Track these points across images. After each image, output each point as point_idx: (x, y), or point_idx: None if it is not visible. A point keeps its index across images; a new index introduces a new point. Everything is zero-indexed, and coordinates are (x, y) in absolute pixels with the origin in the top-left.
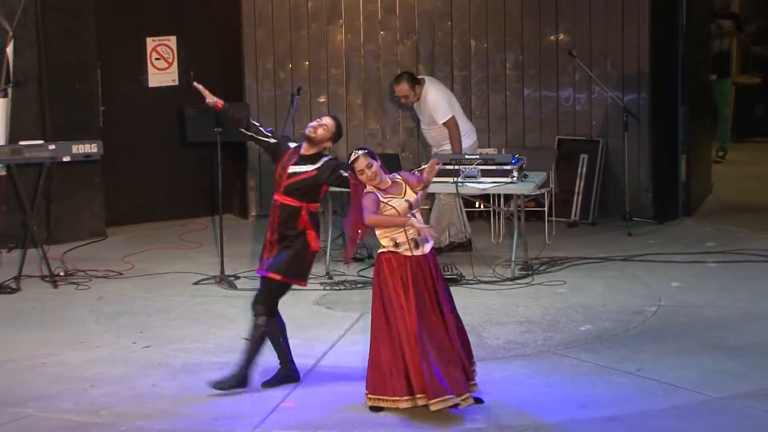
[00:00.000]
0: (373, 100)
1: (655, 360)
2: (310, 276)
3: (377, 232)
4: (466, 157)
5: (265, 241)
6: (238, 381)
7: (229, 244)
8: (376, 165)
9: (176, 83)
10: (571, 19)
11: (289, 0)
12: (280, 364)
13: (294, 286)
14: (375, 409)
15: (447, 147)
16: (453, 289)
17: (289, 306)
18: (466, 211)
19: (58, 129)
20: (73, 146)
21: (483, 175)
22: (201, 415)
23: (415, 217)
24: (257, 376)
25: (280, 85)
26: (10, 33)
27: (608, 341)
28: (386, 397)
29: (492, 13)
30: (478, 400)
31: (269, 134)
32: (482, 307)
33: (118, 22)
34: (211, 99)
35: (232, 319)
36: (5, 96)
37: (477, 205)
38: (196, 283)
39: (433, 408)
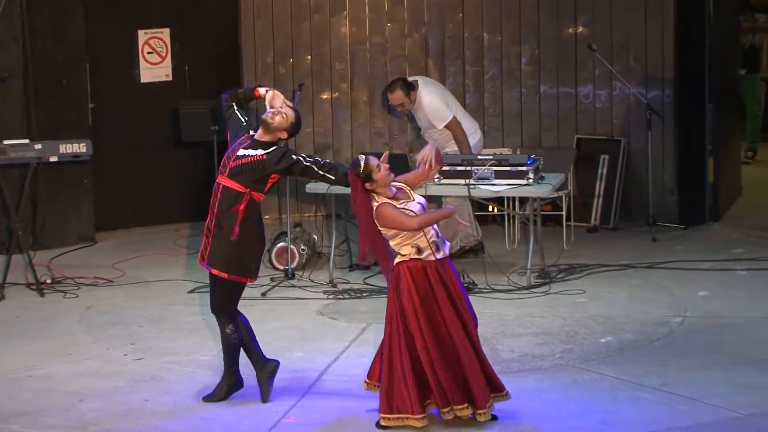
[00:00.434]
0: (379, 96)
1: (680, 374)
2: (313, 284)
3: (394, 243)
4: (479, 157)
5: (204, 228)
6: (228, 389)
7: None
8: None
9: (170, 78)
10: (591, 10)
11: None
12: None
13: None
14: (383, 428)
15: (451, 149)
16: None
17: (291, 316)
18: (479, 215)
19: (44, 127)
20: (61, 146)
21: (497, 177)
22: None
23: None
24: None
25: (280, 81)
26: None
27: (631, 354)
28: (403, 415)
29: (506, 4)
30: (493, 417)
31: (245, 119)
32: (496, 317)
33: (108, 14)
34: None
35: None
36: None
37: (490, 208)
38: (191, 292)
39: (445, 417)
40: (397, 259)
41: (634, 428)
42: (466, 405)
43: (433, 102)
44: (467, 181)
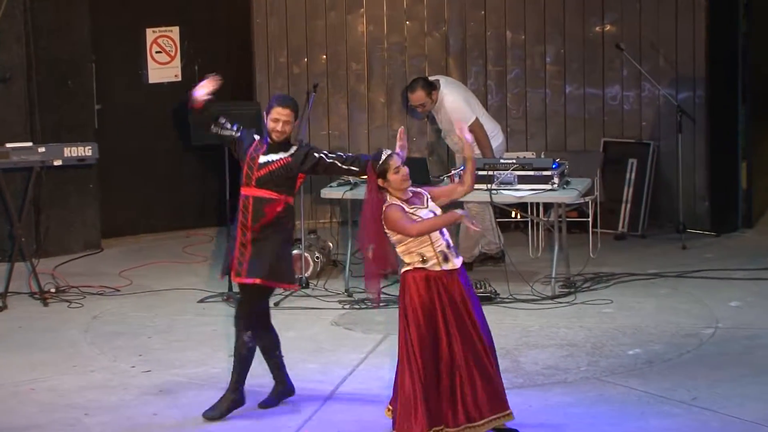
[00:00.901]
0: (397, 98)
1: (711, 388)
2: (328, 293)
3: (399, 249)
4: (501, 161)
5: (234, 243)
6: (230, 405)
7: None
8: (406, 169)
9: (179, 79)
10: (619, 7)
11: None
12: (274, 380)
13: (279, 291)
14: None
15: (475, 152)
16: (487, 308)
17: (305, 326)
18: (501, 222)
19: (48, 130)
20: (65, 149)
21: (520, 182)
22: None
23: (441, 230)
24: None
25: (294, 82)
26: None
27: (660, 367)
28: None
29: (530, 1)
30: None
31: (234, 129)
32: (519, 328)
33: (115, 12)
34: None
35: None
36: None
37: (513, 214)
38: (201, 301)
39: None
40: (403, 268)
41: None
42: (441, 427)
43: (456, 102)
44: (489, 186)
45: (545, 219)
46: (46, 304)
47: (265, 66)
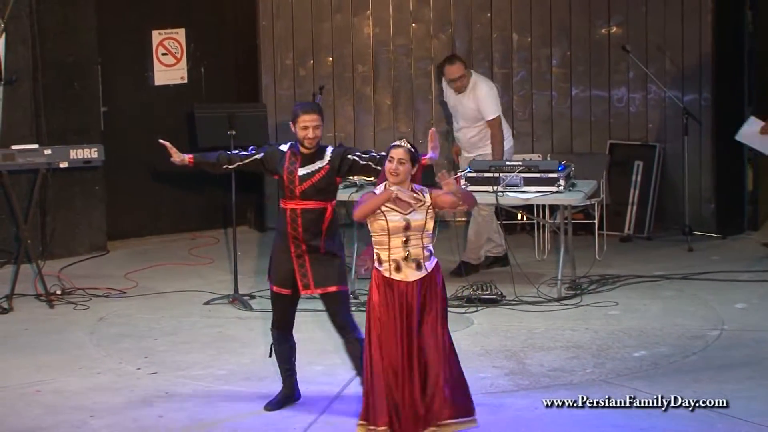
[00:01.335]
0: (403, 100)
1: (717, 390)
2: None
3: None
4: (507, 163)
5: (290, 257)
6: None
7: (243, 260)
8: (408, 168)
9: (185, 81)
10: (625, 10)
11: None
12: (283, 384)
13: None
14: None
15: (482, 151)
16: (493, 311)
17: (311, 329)
18: (507, 224)
19: (54, 132)
20: (71, 151)
21: (526, 184)
22: None
23: (408, 241)
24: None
25: (300, 84)
26: (2, 26)
27: (665, 369)
28: (369, 426)
29: (536, 4)
30: None
31: (253, 152)
32: (525, 330)
33: (121, 14)
34: (178, 157)
35: (246, 343)
36: None
37: (519, 217)
38: (206, 303)
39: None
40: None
41: None
42: (384, 428)
43: (491, 92)
44: (495, 188)
45: (551, 221)
46: (51, 306)
47: (271, 68)
